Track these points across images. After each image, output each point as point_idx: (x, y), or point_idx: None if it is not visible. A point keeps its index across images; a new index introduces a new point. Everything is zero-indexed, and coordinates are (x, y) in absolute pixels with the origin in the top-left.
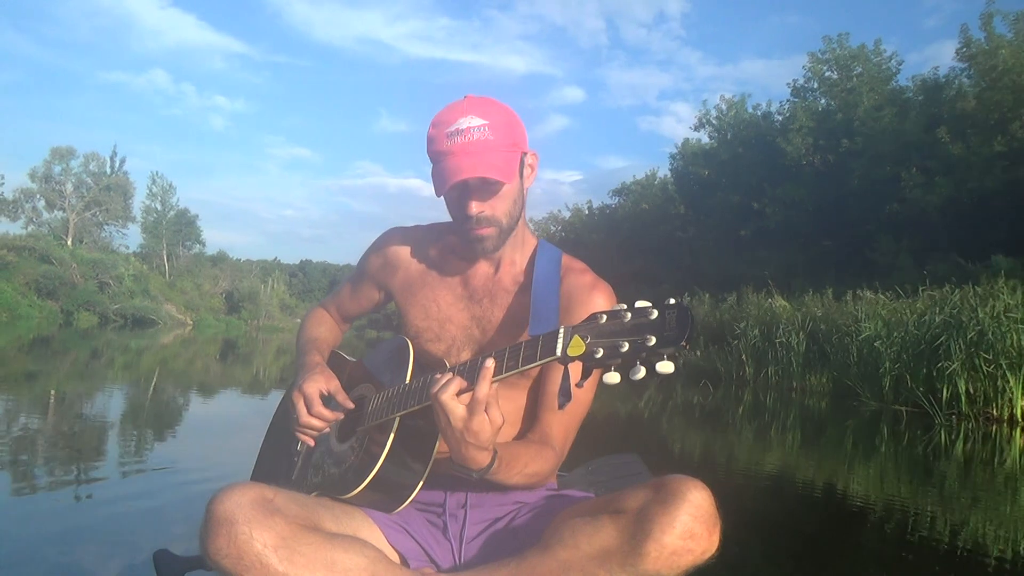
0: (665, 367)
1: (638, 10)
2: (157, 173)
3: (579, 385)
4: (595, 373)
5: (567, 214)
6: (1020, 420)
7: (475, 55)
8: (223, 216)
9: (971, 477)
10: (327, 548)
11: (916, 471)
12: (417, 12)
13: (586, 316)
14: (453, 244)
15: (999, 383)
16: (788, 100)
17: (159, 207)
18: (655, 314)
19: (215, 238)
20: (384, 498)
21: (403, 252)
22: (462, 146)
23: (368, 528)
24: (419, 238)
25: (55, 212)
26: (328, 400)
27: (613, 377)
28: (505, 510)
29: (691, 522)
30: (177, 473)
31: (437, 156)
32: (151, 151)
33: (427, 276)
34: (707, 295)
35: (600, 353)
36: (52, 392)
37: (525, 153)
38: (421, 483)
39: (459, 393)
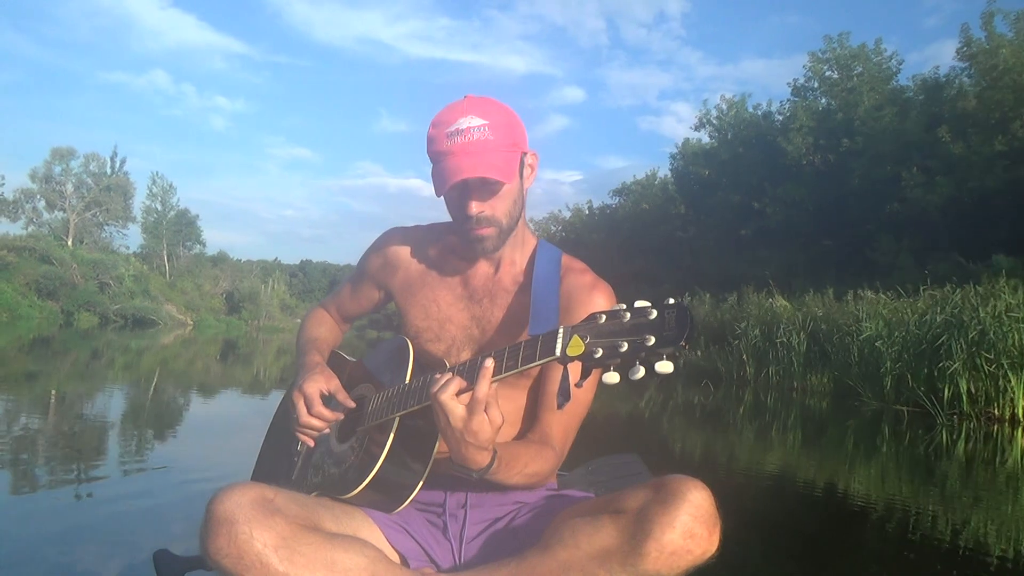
0: (664, 367)
1: (638, 10)
2: (157, 173)
3: (578, 385)
4: (594, 373)
5: (567, 214)
6: (1021, 420)
7: (475, 55)
8: (223, 216)
9: (972, 477)
10: (327, 548)
11: (917, 471)
12: (417, 12)
13: (586, 316)
14: (453, 244)
15: (1000, 383)
16: (788, 100)
17: (159, 207)
18: (654, 314)
19: (215, 238)
20: (384, 498)
21: (403, 252)
22: (462, 146)
23: (368, 528)
24: (419, 238)
25: (55, 212)
26: (328, 400)
27: (612, 377)
28: (505, 510)
29: (691, 522)
30: (177, 473)
31: (437, 156)
32: (151, 151)
33: (427, 276)
34: (708, 295)
35: (599, 353)
36: (52, 392)
37: (525, 153)
38: (421, 483)
39: (459, 393)
